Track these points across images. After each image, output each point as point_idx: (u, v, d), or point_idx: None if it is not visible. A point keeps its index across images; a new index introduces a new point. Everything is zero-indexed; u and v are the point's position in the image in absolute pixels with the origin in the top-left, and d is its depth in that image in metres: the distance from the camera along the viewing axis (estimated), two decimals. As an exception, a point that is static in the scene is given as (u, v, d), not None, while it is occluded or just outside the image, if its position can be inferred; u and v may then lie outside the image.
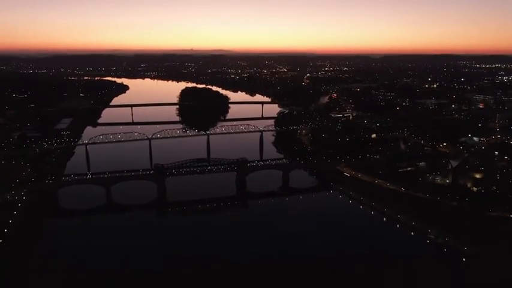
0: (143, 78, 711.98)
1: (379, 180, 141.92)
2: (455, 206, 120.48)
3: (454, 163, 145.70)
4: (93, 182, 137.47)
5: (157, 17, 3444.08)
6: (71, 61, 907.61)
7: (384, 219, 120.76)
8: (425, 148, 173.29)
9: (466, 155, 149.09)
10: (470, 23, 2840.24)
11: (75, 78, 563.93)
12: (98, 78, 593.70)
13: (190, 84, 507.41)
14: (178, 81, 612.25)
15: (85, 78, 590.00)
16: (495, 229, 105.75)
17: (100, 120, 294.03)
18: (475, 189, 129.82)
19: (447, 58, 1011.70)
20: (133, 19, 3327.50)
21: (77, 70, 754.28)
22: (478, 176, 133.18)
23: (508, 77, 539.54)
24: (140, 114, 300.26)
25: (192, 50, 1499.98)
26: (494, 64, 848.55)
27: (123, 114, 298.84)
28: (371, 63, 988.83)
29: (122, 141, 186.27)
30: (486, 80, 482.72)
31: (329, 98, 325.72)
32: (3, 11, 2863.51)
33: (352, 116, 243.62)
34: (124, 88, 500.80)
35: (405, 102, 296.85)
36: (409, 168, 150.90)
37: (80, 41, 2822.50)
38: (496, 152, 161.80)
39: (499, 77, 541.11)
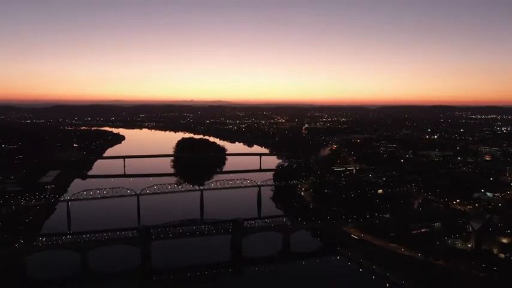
0: (141, 128, 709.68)
1: (392, 245, 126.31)
2: (484, 277, 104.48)
3: (473, 222, 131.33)
4: (67, 247, 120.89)
5: (159, 69, 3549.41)
6: (70, 111, 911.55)
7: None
8: (439, 206, 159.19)
9: (488, 216, 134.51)
10: (464, 75, 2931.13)
11: (72, 128, 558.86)
12: (95, 128, 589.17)
13: (187, 135, 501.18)
14: (175, 131, 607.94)
15: (82, 128, 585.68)
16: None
17: (91, 172, 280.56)
18: (502, 255, 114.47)
19: (443, 109, 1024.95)
20: (136, 71, 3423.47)
21: (75, 120, 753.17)
22: (504, 240, 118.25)
23: (507, 128, 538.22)
24: (133, 165, 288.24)
25: (192, 101, 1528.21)
26: (490, 115, 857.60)
27: (116, 166, 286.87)
28: (368, 113, 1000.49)
29: (108, 197, 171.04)
30: (486, 131, 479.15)
31: (330, 149, 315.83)
32: (3, 61, 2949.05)
33: (355, 169, 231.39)
34: (120, 138, 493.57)
35: (408, 154, 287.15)
36: (423, 230, 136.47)
37: (80, 91, 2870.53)
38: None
39: (498, 128, 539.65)
